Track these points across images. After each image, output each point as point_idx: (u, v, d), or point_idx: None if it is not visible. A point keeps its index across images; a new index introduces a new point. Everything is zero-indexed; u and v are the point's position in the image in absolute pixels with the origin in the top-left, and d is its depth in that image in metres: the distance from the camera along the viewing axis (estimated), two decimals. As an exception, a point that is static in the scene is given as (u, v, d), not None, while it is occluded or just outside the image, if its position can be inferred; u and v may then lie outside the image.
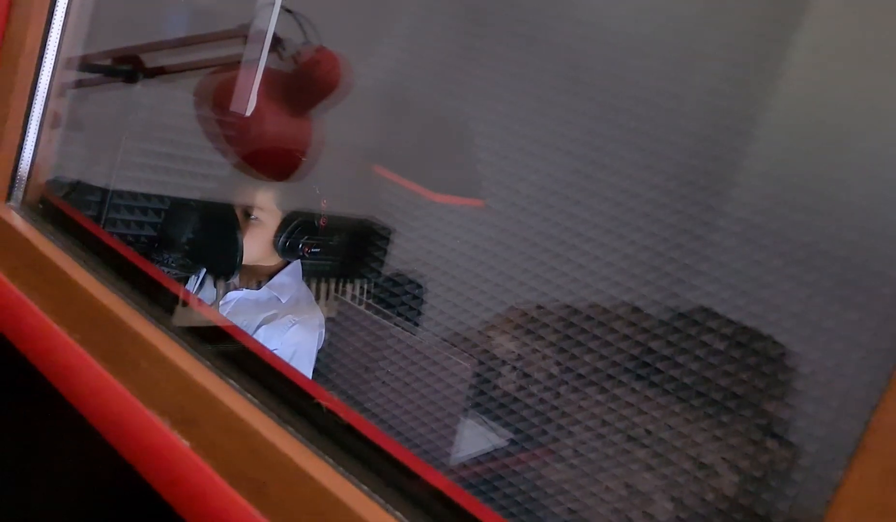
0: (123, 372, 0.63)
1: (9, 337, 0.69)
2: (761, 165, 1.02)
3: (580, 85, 1.20)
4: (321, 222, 1.30)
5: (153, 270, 0.70)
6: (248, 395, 0.58)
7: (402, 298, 1.43)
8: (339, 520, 0.51)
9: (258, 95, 0.80)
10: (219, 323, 0.67)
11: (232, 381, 0.59)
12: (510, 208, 1.34)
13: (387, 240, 1.49)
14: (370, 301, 1.43)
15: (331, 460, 0.54)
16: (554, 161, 1.25)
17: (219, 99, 0.83)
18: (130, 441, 0.61)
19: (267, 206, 1.22)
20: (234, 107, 0.78)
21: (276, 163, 0.93)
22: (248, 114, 0.80)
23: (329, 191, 1.32)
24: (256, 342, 0.65)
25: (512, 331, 1.24)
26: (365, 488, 0.52)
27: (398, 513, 0.50)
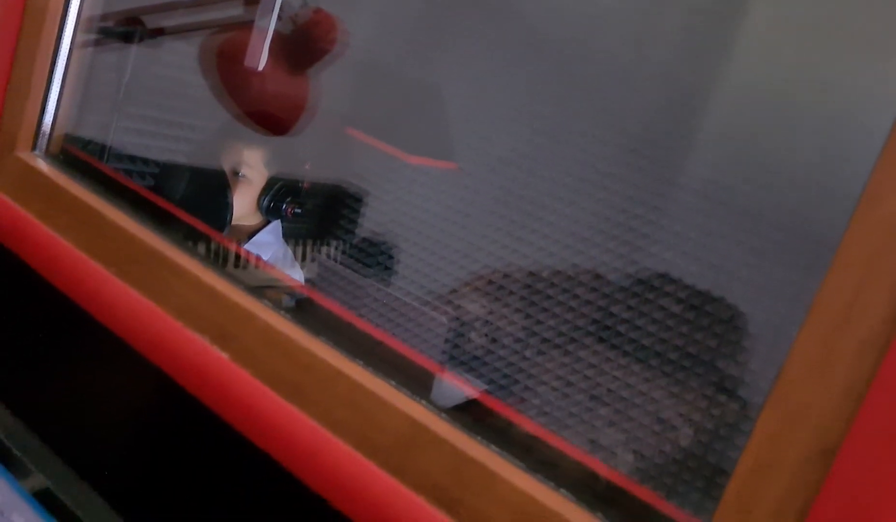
0: (162, 298, 0.70)
1: (46, 277, 0.75)
2: (714, 136, 1.11)
3: (543, 55, 1.29)
4: (304, 185, 1.37)
5: (181, 213, 0.77)
6: (281, 312, 0.66)
7: (377, 258, 1.51)
8: (373, 409, 0.59)
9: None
10: (247, 256, 0.74)
11: (266, 302, 0.66)
12: (480, 172, 1.42)
13: (363, 202, 1.56)
14: (347, 261, 1.50)
15: (361, 362, 0.62)
16: (519, 128, 1.33)
17: (225, 55, 0.90)
18: (173, 359, 0.68)
19: (255, 165, 1.28)
20: (247, 63, 0.85)
21: (275, 118, 1.00)
22: (260, 68, 0.87)
23: (311, 153, 1.38)
24: (284, 273, 0.72)
25: (480, 294, 1.33)
26: (393, 382, 0.60)
27: (424, 402, 0.59)
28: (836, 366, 0.44)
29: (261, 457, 0.62)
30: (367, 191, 1.54)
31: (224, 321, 0.66)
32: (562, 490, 0.54)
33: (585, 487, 0.55)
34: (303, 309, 0.68)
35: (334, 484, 0.60)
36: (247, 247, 1.37)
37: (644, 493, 0.54)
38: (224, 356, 0.66)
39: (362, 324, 0.66)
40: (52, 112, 0.83)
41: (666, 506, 0.53)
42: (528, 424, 0.60)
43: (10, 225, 0.79)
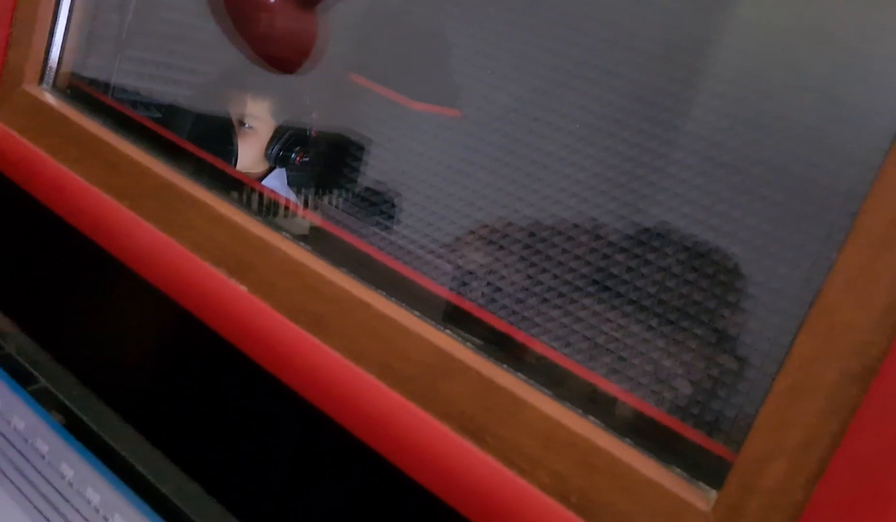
0: (178, 231, 0.68)
1: (58, 212, 0.74)
2: (719, 86, 1.10)
3: (549, 2, 1.26)
4: (312, 133, 1.35)
5: (192, 146, 0.75)
6: (300, 243, 0.65)
7: (380, 207, 1.50)
8: (396, 338, 0.58)
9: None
10: (263, 191, 0.73)
11: (285, 233, 0.65)
12: (484, 120, 1.40)
13: (367, 150, 1.55)
14: (351, 208, 1.49)
15: (383, 292, 0.61)
16: (524, 77, 1.32)
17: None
18: (190, 292, 0.67)
19: (262, 116, 1.26)
20: (262, -6, 0.83)
21: (284, 55, 0.98)
22: (272, 0, 0.84)
23: (317, 102, 1.37)
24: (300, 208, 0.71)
25: (482, 244, 1.32)
26: (417, 312, 0.60)
27: (449, 330, 0.58)
28: (878, 285, 0.43)
29: (280, 389, 0.61)
30: (371, 139, 1.52)
31: (242, 252, 0.65)
32: (590, 417, 0.53)
33: (613, 414, 0.54)
34: (322, 241, 0.67)
35: (356, 415, 0.59)
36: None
37: (672, 421, 0.54)
38: (242, 288, 0.65)
39: (383, 257, 0.65)
40: (59, 47, 0.81)
41: (695, 433, 0.53)
42: (555, 355, 0.60)
43: (19, 160, 0.77)
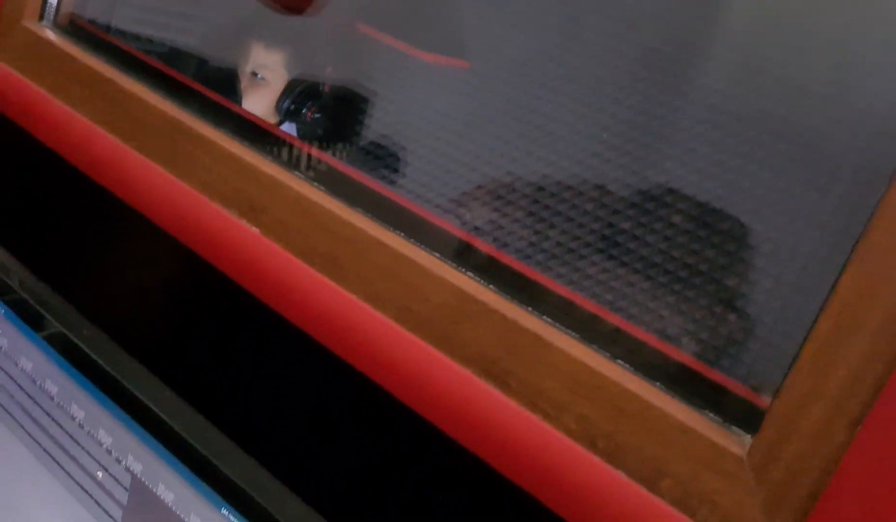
0: (186, 171, 0.66)
1: (61, 153, 0.71)
2: (729, 45, 1.06)
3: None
4: (325, 88, 1.32)
5: (199, 85, 0.73)
6: (314, 183, 0.63)
7: (388, 161, 1.47)
8: (416, 280, 0.56)
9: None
10: (273, 131, 0.70)
11: (298, 173, 0.63)
12: (492, 72, 1.37)
13: (374, 103, 1.52)
14: (359, 162, 1.47)
15: (402, 233, 0.59)
16: (533, 29, 1.28)
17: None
18: (200, 235, 0.64)
19: (275, 67, 1.23)
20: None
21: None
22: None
23: (329, 55, 1.33)
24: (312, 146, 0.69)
25: (490, 198, 1.29)
26: (436, 254, 0.57)
27: (471, 272, 0.56)
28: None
29: (294, 332, 0.59)
30: (379, 93, 1.49)
31: (253, 193, 0.63)
32: (618, 361, 0.51)
33: (643, 359, 0.52)
34: (337, 181, 0.64)
35: (373, 359, 0.57)
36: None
37: (705, 368, 0.52)
38: (254, 229, 0.62)
39: (400, 198, 0.63)
40: (60, -19, 0.77)
41: (728, 380, 0.51)
42: (580, 299, 0.57)
43: (20, 100, 0.75)
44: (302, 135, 1.43)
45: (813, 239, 0.65)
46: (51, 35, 0.76)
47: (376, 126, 1.54)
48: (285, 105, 1.29)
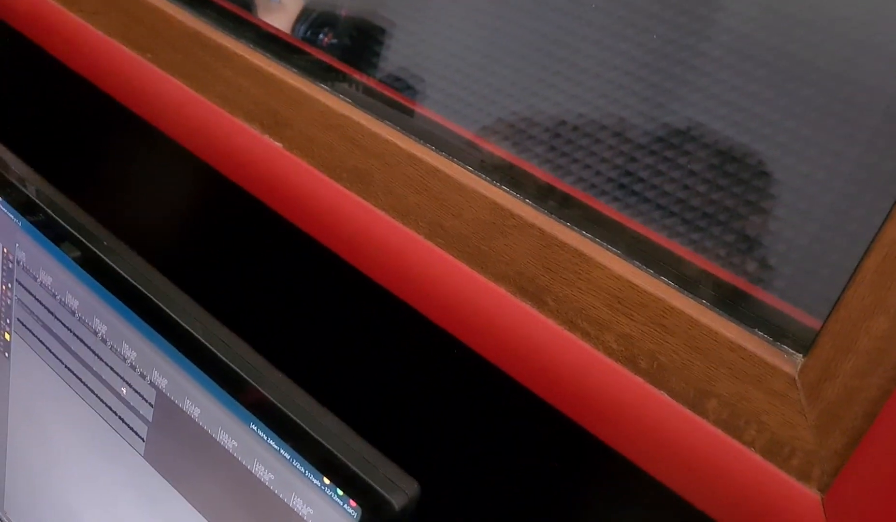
0: (205, 85, 0.63)
1: (74, 68, 0.68)
2: None
3: None
4: (343, 13, 1.28)
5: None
6: (341, 95, 0.60)
7: (404, 93, 1.43)
8: (448, 195, 0.54)
9: None
10: (298, 44, 0.67)
11: (324, 85, 0.60)
12: (514, 2, 1.31)
13: (392, 34, 1.47)
14: (374, 94, 1.43)
15: (432, 147, 0.56)
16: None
17: None
18: (221, 151, 0.62)
19: (291, -10, 1.19)
20: None
21: None
22: None
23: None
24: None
25: (510, 132, 1.26)
26: (469, 167, 0.55)
27: (506, 186, 0.53)
28: None
29: (323, 251, 0.57)
30: (397, 23, 1.45)
31: (277, 106, 0.60)
32: (662, 278, 0.49)
33: (689, 277, 0.50)
34: (364, 94, 0.61)
35: (405, 277, 0.55)
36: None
37: (753, 288, 0.50)
38: (278, 145, 0.60)
39: (431, 113, 0.60)
40: None
41: (780, 301, 0.49)
42: (624, 218, 0.55)
43: (31, 12, 0.72)
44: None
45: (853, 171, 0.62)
46: (61, -57, 0.72)
47: (394, 56, 1.49)
48: (301, 30, 1.25)
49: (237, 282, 0.64)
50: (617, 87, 1.03)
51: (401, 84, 1.46)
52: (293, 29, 1.27)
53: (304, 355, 0.60)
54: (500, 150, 0.59)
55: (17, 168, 0.51)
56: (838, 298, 0.43)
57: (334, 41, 1.33)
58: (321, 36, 1.30)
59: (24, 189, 0.50)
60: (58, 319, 0.50)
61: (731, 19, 0.99)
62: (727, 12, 1.00)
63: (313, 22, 1.28)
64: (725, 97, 0.86)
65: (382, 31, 1.43)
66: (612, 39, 1.10)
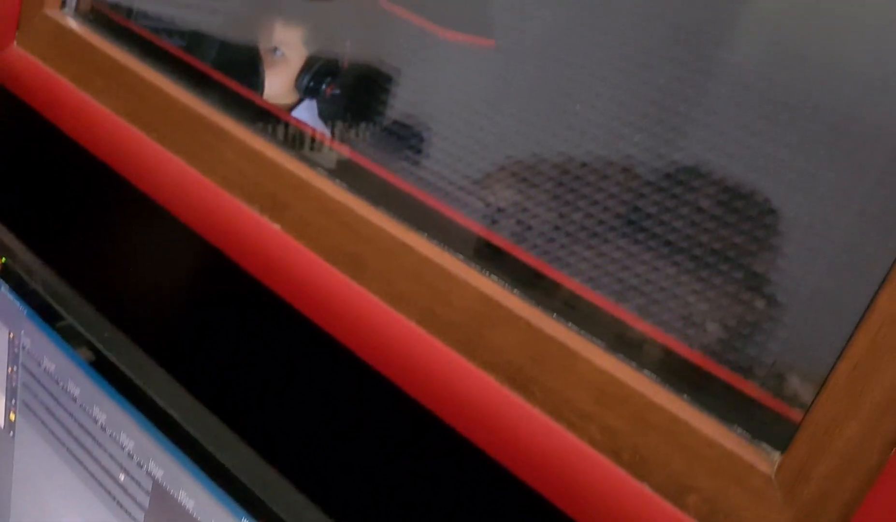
0: (208, 165, 0.65)
1: (83, 144, 0.71)
2: (758, 26, 1.03)
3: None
4: (344, 64, 1.31)
5: (222, 76, 0.72)
6: (337, 180, 0.62)
7: (410, 140, 1.45)
8: (440, 283, 0.55)
9: None
10: (297, 124, 0.69)
11: (321, 170, 0.62)
12: (517, 50, 1.34)
13: (397, 81, 1.50)
14: (380, 141, 1.45)
15: (426, 234, 0.58)
16: (559, 7, 1.25)
17: None
18: (221, 230, 0.64)
19: (293, 43, 1.22)
20: None
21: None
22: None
23: (348, 30, 1.31)
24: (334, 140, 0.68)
25: (514, 180, 1.27)
26: (461, 256, 0.57)
27: (495, 276, 0.55)
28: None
29: (317, 333, 0.59)
30: (402, 70, 1.47)
31: (275, 189, 0.62)
32: (645, 371, 0.50)
33: (670, 369, 0.51)
34: (360, 178, 0.63)
35: (396, 362, 0.57)
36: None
37: (734, 378, 0.51)
38: (276, 227, 0.62)
39: (423, 195, 0.62)
40: (81, -34, 0.76)
41: (758, 391, 0.50)
42: (607, 304, 0.56)
43: (42, 89, 0.74)
44: (322, 113, 1.42)
45: (848, 235, 0.63)
46: (72, 23, 0.75)
47: (398, 104, 1.52)
48: (304, 81, 1.28)
49: (231, 361, 0.66)
50: (624, 125, 1.05)
51: (405, 131, 1.49)
52: (296, 81, 1.29)
53: (296, 445, 0.61)
54: (494, 236, 0.61)
55: (23, 256, 0.53)
56: (813, 401, 0.44)
57: (336, 92, 1.35)
58: (324, 86, 1.33)
59: (28, 278, 0.52)
60: (60, 405, 0.52)
61: (738, 58, 1.01)
62: (733, 51, 1.02)
63: (316, 73, 1.30)
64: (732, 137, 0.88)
65: (385, 81, 1.46)
66: (613, 88, 1.12)
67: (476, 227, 0.60)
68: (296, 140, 0.68)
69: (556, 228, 1.14)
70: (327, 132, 1.39)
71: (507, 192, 1.32)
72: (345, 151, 0.67)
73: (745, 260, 0.68)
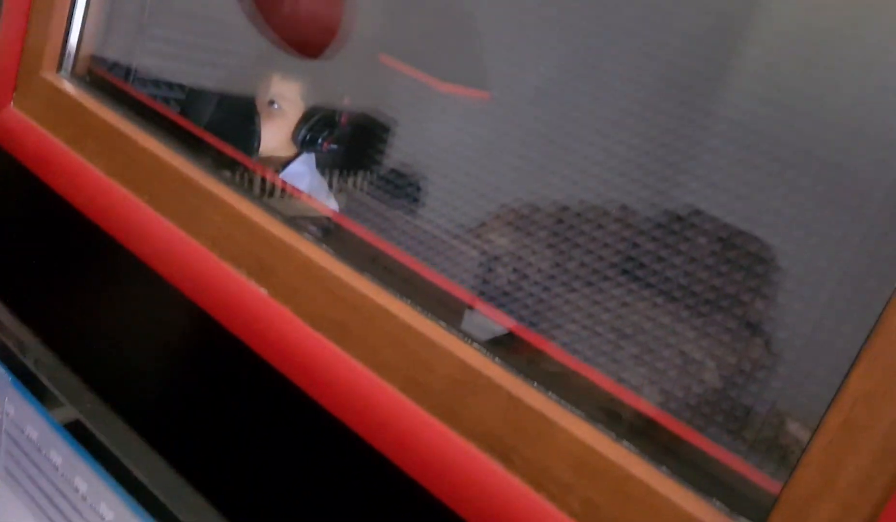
0: (196, 228, 0.66)
1: (75, 204, 0.72)
2: (756, 69, 1.05)
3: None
4: (342, 119, 1.32)
5: (214, 139, 0.73)
6: (323, 246, 0.62)
7: (406, 190, 1.47)
8: (422, 351, 0.56)
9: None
10: (285, 187, 0.70)
11: (307, 235, 0.63)
12: (513, 102, 1.36)
13: (394, 133, 1.51)
14: (377, 192, 1.46)
15: (409, 301, 0.59)
16: (555, 58, 1.27)
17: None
18: (208, 292, 0.65)
19: (291, 97, 1.24)
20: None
21: (307, 39, 0.95)
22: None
23: (346, 84, 1.33)
24: (321, 203, 0.69)
25: (509, 229, 1.28)
26: (442, 323, 0.57)
27: (476, 344, 0.55)
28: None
29: (301, 397, 0.59)
30: (398, 122, 1.49)
31: (262, 254, 0.63)
32: (623, 442, 0.50)
33: (649, 439, 0.51)
34: (346, 243, 0.64)
35: (379, 428, 0.57)
36: (281, 177, 1.34)
37: (713, 448, 0.51)
38: (262, 291, 0.62)
39: (409, 261, 0.63)
40: (78, 31, 0.78)
41: (737, 462, 0.50)
42: (584, 369, 0.57)
43: (37, 150, 0.75)
44: (320, 165, 1.43)
45: (821, 322, 0.64)
46: (68, 86, 0.76)
47: (395, 155, 1.53)
48: (301, 135, 1.29)
49: (216, 429, 0.66)
50: (618, 175, 1.06)
51: (403, 181, 1.50)
52: (294, 134, 1.31)
53: (277, 511, 0.61)
54: (481, 304, 0.61)
55: (9, 324, 0.54)
56: (789, 476, 0.45)
57: (333, 146, 1.37)
58: (321, 140, 1.34)
59: (13, 348, 0.52)
60: (42, 472, 0.52)
61: (730, 107, 1.03)
62: (725, 101, 1.03)
63: (313, 126, 1.32)
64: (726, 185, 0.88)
65: (382, 133, 1.47)
66: (606, 138, 1.13)
67: (460, 293, 0.61)
68: (285, 202, 0.69)
69: (551, 278, 1.14)
70: (324, 184, 1.41)
71: (503, 242, 1.33)
72: (333, 215, 0.68)
73: (724, 336, 0.69)
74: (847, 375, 0.43)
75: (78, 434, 0.49)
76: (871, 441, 0.42)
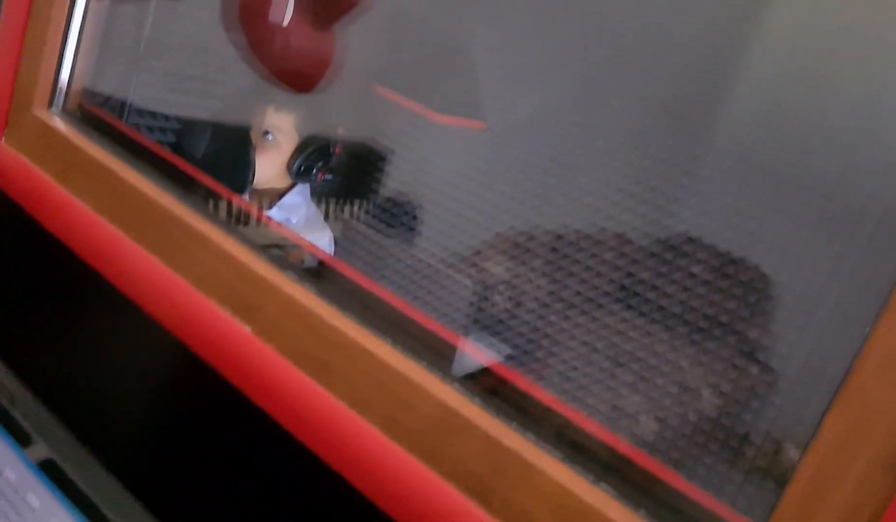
0: (182, 265, 0.67)
1: (63, 240, 0.72)
2: (749, 97, 1.06)
3: (575, 13, 1.22)
4: (336, 149, 1.33)
5: (202, 176, 0.73)
6: (306, 284, 0.63)
7: (402, 219, 1.47)
8: (402, 391, 0.56)
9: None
10: (269, 224, 0.71)
11: (290, 272, 0.63)
12: (508, 132, 1.37)
13: (390, 163, 1.52)
14: (373, 222, 1.47)
15: (390, 340, 0.59)
16: (549, 88, 1.28)
17: (249, 10, 0.86)
18: (193, 330, 0.65)
19: (285, 128, 1.25)
20: (272, 18, 0.81)
21: (300, 75, 0.96)
22: (285, 24, 0.83)
23: (340, 115, 1.34)
24: (305, 240, 0.69)
25: (505, 257, 1.29)
26: (424, 363, 0.57)
27: (456, 384, 0.56)
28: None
29: (283, 436, 0.59)
30: (394, 152, 1.50)
31: (247, 292, 0.63)
32: (602, 485, 0.50)
33: (627, 480, 0.51)
34: (329, 282, 0.64)
35: (360, 467, 0.57)
36: (276, 208, 1.35)
37: (694, 491, 0.51)
38: (247, 329, 0.63)
39: (391, 298, 0.63)
40: (69, 67, 0.79)
41: (718, 505, 0.50)
42: (565, 409, 0.57)
43: (27, 186, 0.76)
44: (315, 194, 1.44)
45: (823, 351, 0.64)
46: (59, 123, 0.77)
47: (390, 185, 1.54)
48: (296, 166, 1.30)
49: (196, 468, 0.66)
50: (611, 204, 1.06)
51: (398, 210, 1.51)
52: (288, 165, 1.32)
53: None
54: (457, 339, 0.62)
55: (-7, 363, 0.54)
56: (768, 515, 0.45)
57: (328, 176, 1.38)
58: (315, 171, 1.35)
59: (-5, 388, 0.52)
60: (20, 516, 0.52)
61: (727, 131, 1.03)
62: (722, 125, 1.04)
63: (308, 157, 1.33)
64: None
65: (377, 163, 1.48)
66: (602, 165, 1.13)
67: (443, 332, 0.61)
68: (270, 238, 0.69)
69: (546, 305, 1.14)
70: (320, 215, 1.42)
71: (498, 270, 1.33)
72: (317, 253, 0.68)
73: (711, 378, 0.69)
74: (819, 422, 0.43)
75: (54, 478, 0.49)
76: (842, 493, 0.42)
